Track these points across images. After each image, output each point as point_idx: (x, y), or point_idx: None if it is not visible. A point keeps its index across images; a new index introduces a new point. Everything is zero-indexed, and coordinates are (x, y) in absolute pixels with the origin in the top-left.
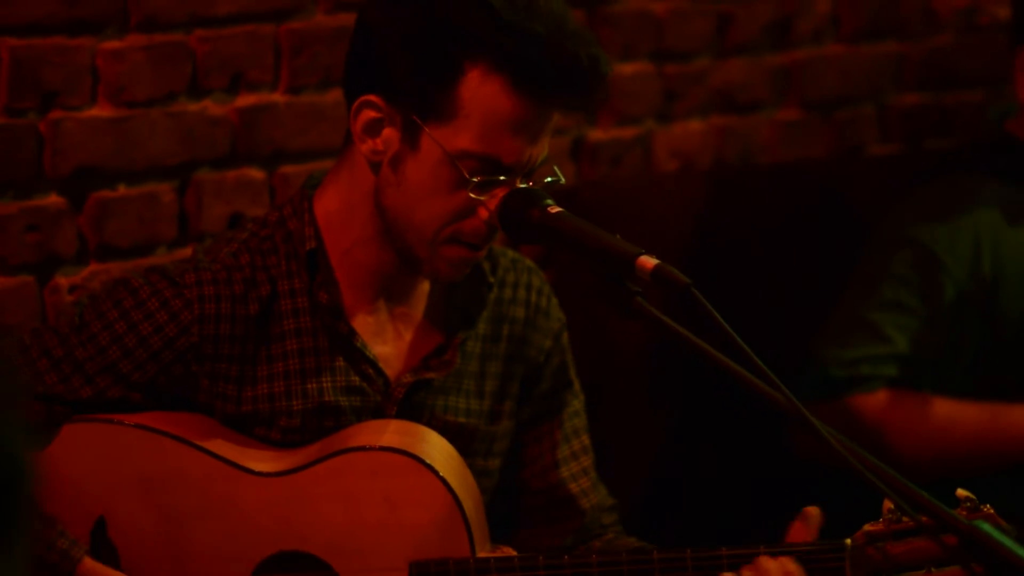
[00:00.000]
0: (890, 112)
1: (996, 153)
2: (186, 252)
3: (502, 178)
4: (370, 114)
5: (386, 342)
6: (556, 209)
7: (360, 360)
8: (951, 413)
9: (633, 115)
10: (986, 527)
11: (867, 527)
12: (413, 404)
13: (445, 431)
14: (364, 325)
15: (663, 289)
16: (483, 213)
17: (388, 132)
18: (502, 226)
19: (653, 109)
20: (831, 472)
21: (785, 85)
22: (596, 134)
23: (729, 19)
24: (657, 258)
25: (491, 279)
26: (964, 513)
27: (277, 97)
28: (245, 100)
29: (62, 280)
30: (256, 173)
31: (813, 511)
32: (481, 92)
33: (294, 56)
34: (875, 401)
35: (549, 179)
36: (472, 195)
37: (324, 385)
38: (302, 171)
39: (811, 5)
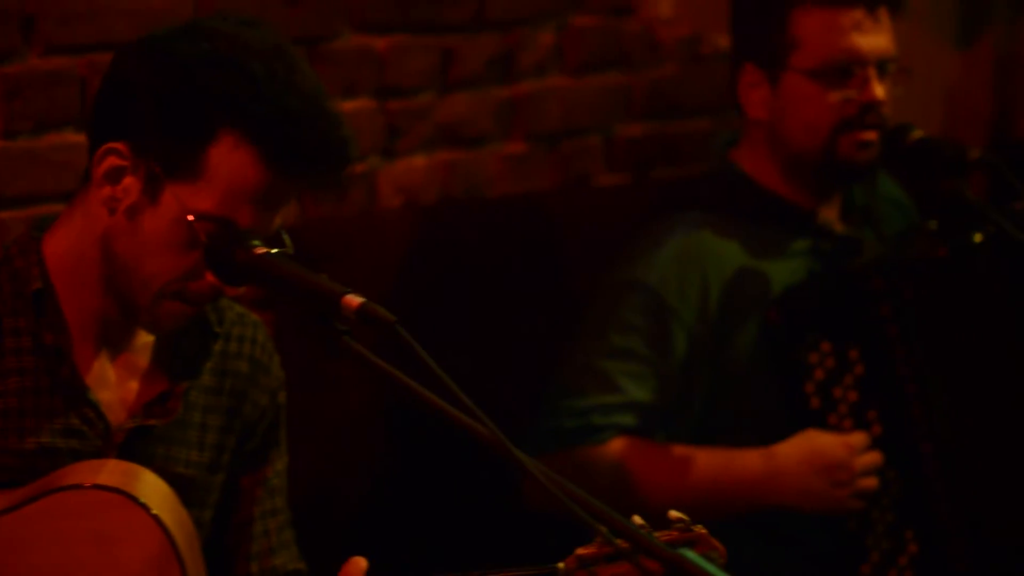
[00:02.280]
0: (616, 143)
1: (720, 184)
2: None
3: None
4: (114, 161)
5: (109, 387)
6: (262, 250)
7: (82, 403)
8: (684, 460)
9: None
10: (691, 555)
11: (579, 551)
12: (134, 450)
13: (164, 480)
14: (88, 369)
15: (372, 328)
16: (211, 276)
17: (129, 181)
18: (208, 265)
19: (376, 146)
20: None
21: (510, 118)
22: None
23: (452, 54)
24: (371, 297)
25: (217, 330)
26: (676, 534)
27: None
28: None
29: None
30: None
31: (360, 561)
32: (230, 159)
33: (8, 100)
34: (607, 451)
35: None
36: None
37: (42, 426)
38: (18, 217)
39: (534, 38)
